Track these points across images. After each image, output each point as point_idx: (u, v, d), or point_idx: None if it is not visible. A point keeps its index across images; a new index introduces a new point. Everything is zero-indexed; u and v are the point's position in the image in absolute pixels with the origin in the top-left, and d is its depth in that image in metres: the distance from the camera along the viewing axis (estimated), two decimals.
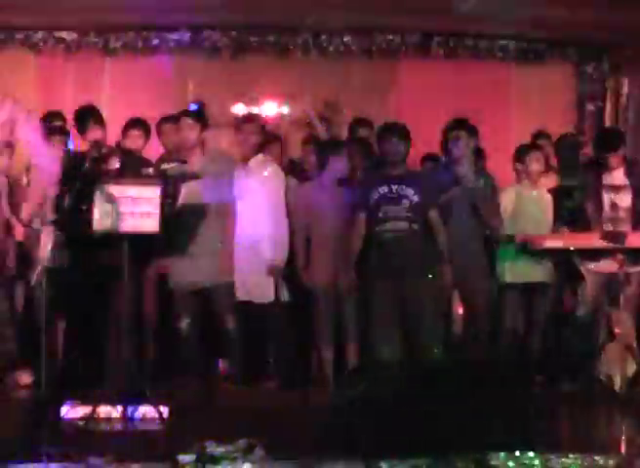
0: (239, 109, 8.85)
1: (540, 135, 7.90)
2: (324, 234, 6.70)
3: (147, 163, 6.51)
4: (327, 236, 6.70)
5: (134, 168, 6.08)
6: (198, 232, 6.59)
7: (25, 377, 6.92)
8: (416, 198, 6.37)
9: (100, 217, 5.58)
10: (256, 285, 6.69)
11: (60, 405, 5.78)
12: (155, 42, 9.10)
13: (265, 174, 6.74)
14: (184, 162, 6.44)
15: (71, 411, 5.72)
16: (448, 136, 6.82)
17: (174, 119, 6.95)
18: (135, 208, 5.59)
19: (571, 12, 8.24)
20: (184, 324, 6.72)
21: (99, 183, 5.61)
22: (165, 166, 6.31)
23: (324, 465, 4.73)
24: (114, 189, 5.60)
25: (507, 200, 6.99)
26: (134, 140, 6.71)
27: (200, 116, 6.92)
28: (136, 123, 6.83)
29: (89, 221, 5.62)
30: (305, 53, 9.39)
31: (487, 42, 9.68)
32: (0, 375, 6.89)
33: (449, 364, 6.31)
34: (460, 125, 6.82)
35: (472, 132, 6.88)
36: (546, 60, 9.80)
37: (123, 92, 9.01)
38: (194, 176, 6.50)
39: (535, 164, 7.00)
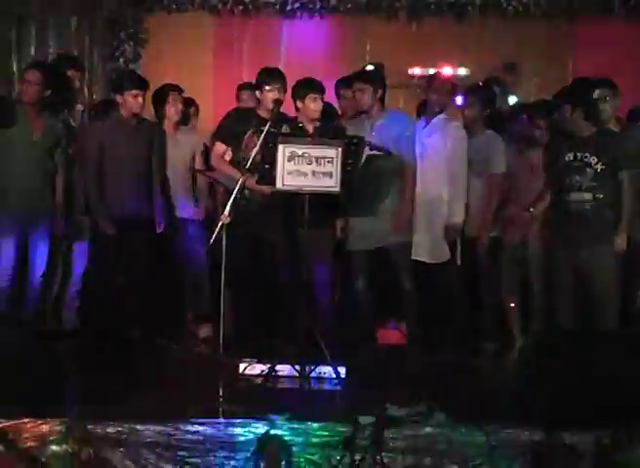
0: (416, 70, 8.77)
1: None
2: (518, 194, 6.61)
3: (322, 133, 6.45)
4: (520, 196, 6.60)
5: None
6: (378, 192, 6.56)
7: (206, 331, 7.07)
8: (600, 166, 6.16)
9: (283, 176, 5.60)
10: (432, 244, 6.62)
11: (239, 361, 5.87)
12: (333, 3, 9.07)
13: (447, 132, 6.65)
14: (381, 149, 6.43)
15: (249, 368, 5.80)
16: None
17: (350, 81, 6.90)
18: (316, 167, 5.60)
19: None
20: (360, 284, 6.69)
21: (281, 143, 5.61)
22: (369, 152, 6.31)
23: (505, 432, 4.64)
24: (296, 148, 5.60)
25: None
26: (315, 103, 6.62)
27: (376, 77, 6.83)
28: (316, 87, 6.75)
29: (272, 179, 5.66)
30: (483, 14, 9.20)
31: None
32: (183, 328, 7.09)
33: (629, 333, 6.16)
34: None
35: None
36: None
37: (300, 53, 9.03)
38: (373, 146, 6.45)
39: None
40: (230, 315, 6.77)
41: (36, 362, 4.92)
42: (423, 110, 7.19)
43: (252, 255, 6.49)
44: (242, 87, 7.42)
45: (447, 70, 8.59)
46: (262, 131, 5.82)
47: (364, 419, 4.60)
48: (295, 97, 6.62)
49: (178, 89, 7.17)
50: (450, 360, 6.41)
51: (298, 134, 6.13)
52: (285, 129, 6.27)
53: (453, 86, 6.85)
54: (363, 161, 6.24)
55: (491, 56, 9.21)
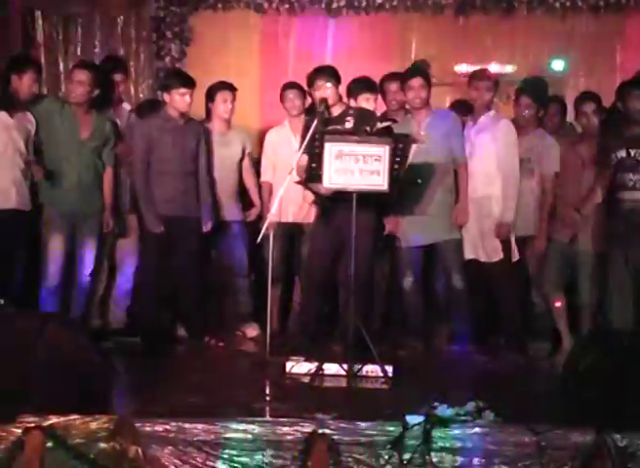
0: (462, 67, 8.71)
1: None
2: (568, 189, 6.55)
3: (381, 120, 6.44)
4: (570, 191, 6.55)
5: (367, 126, 6.05)
6: (427, 190, 6.54)
7: (252, 331, 7.08)
8: None
9: (330, 175, 5.59)
10: (486, 243, 6.58)
11: (286, 360, 5.85)
12: (379, 0, 9.02)
13: (497, 130, 6.60)
14: (394, 121, 6.37)
15: (297, 367, 5.78)
16: None
17: (399, 77, 6.87)
18: (364, 166, 5.58)
19: None
20: (408, 282, 6.68)
21: (328, 141, 5.59)
22: (379, 125, 6.24)
23: (555, 433, 4.59)
24: (343, 147, 5.59)
25: None
26: (368, 104, 6.59)
27: (427, 75, 6.82)
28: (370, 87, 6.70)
29: (320, 178, 5.65)
30: (531, 10, 9.11)
31: None
32: (229, 328, 7.11)
33: None
34: None
35: None
36: None
37: (345, 51, 8.99)
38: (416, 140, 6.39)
39: None
40: (277, 314, 6.79)
41: (84, 360, 4.93)
42: (462, 108, 7.15)
43: (325, 254, 6.43)
44: (287, 86, 7.35)
45: (493, 67, 8.54)
46: (323, 131, 5.82)
47: (412, 419, 4.57)
48: (348, 95, 6.60)
49: (227, 86, 7.15)
50: (499, 359, 6.38)
51: (342, 131, 6.06)
52: (349, 122, 6.23)
53: (493, 83, 6.76)
54: (412, 158, 6.19)
55: (538, 52, 9.14)
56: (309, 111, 7.04)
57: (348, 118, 6.26)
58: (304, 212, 6.96)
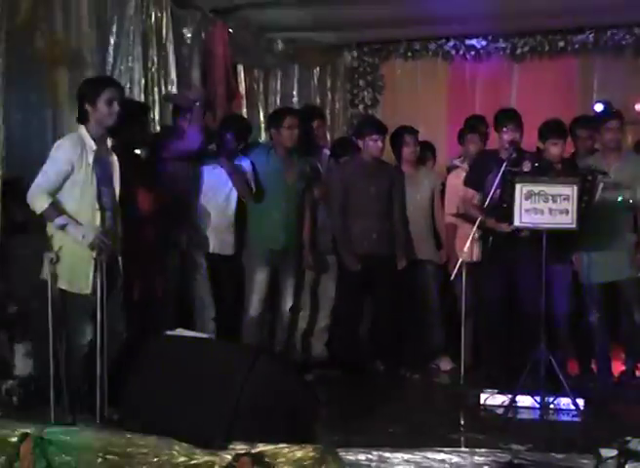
0: None
1: None
2: None
3: (558, 171, 6.53)
4: None
5: (544, 172, 6.25)
6: (610, 228, 6.61)
7: (447, 364, 7.35)
8: None
9: (521, 214, 5.84)
10: None
11: (480, 392, 6.06)
12: (561, 44, 9.13)
13: None
14: (605, 173, 6.47)
15: (491, 399, 5.99)
16: None
17: (588, 121, 7.03)
18: (552, 205, 5.80)
19: None
20: (595, 317, 6.76)
21: (517, 182, 5.85)
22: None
23: None
24: (533, 187, 5.83)
25: None
26: (555, 148, 6.75)
27: (622, 117, 6.89)
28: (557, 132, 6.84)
29: (510, 217, 5.91)
30: None
31: None
32: (424, 361, 7.36)
33: None
34: None
35: None
36: None
37: (530, 95, 9.10)
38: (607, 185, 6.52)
39: None
40: (470, 347, 6.97)
41: (291, 392, 5.16)
42: None
43: (502, 290, 6.58)
44: (470, 129, 7.57)
45: None
46: (514, 171, 6.08)
47: (606, 452, 4.60)
48: (539, 137, 6.79)
49: (411, 130, 7.47)
50: None
51: (535, 172, 6.29)
52: (527, 165, 6.43)
53: None
54: (598, 197, 6.34)
55: None
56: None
57: (526, 162, 6.45)
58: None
